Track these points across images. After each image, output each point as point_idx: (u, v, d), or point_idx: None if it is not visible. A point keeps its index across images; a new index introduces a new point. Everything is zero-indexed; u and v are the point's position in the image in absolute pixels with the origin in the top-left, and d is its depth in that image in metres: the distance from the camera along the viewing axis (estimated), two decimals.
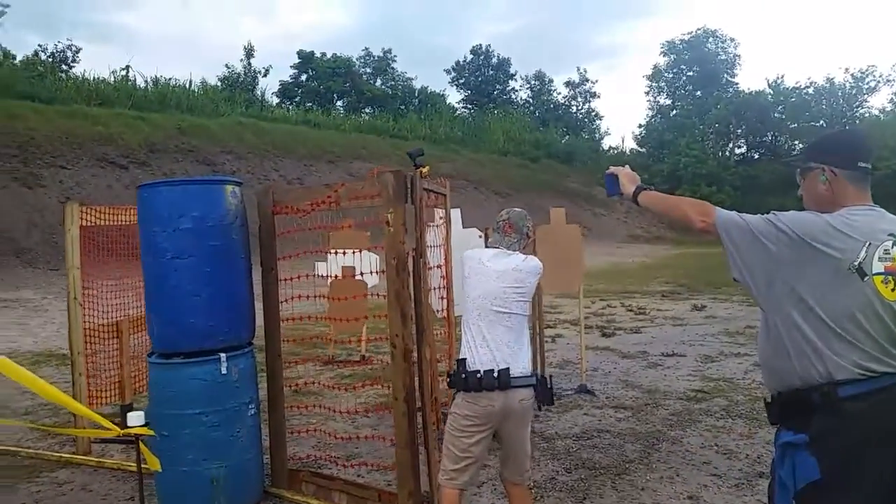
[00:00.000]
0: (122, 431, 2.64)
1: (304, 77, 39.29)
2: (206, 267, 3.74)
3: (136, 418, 2.68)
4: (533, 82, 47.92)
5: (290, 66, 39.42)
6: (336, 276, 7.87)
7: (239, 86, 33.16)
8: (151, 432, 2.72)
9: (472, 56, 45.52)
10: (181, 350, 3.77)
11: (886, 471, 1.97)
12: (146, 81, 27.30)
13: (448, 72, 45.60)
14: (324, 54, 39.62)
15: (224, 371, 3.75)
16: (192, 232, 3.72)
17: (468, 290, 3.12)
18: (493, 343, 3.02)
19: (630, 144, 47.45)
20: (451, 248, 4.54)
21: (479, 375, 2.98)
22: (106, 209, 5.09)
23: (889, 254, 2.03)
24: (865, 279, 2.00)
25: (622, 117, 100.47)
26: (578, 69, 68.44)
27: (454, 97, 45.89)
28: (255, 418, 3.99)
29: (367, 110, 38.52)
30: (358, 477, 4.29)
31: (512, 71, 46.39)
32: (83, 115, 21.52)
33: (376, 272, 6.75)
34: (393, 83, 41.49)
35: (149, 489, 4.26)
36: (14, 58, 24.69)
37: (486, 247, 3.32)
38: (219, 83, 32.72)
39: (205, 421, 3.70)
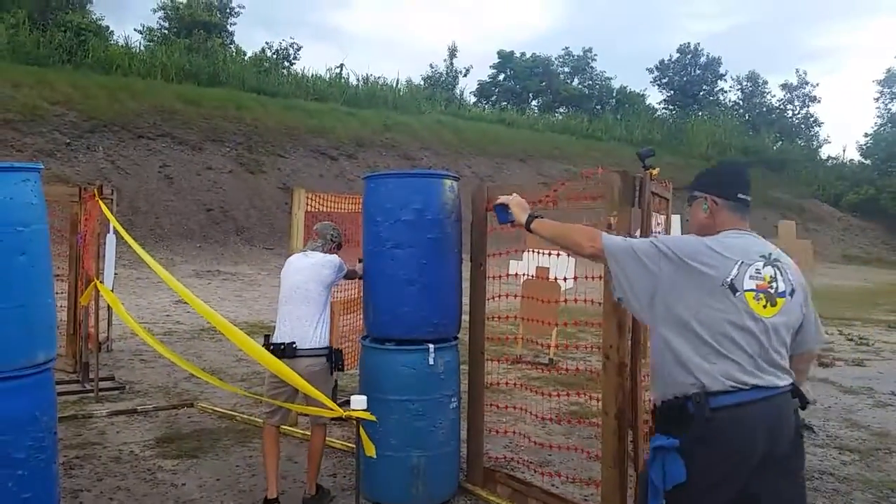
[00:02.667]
0: (345, 414, 2.70)
1: (501, 76, 39.76)
2: (422, 258, 3.79)
3: (359, 402, 2.74)
4: (744, 83, 44.74)
5: (490, 66, 40.10)
6: (530, 276, 7.79)
7: (440, 85, 34.27)
8: (373, 417, 2.76)
9: (678, 55, 43.38)
10: (393, 336, 3.85)
11: (744, 467, 2.11)
12: (358, 79, 29.12)
13: (650, 71, 43.79)
14: (523, 54, 39.84)
15: (431, 361, 3.78)
16: (412, 224, 3.79)
17: (281, 288, 4.05)
18: (292, 322, 3.87)
19: (852, 155, 42.96)
20: None
21: (275, 346, 3.81)
22: (328, 196, 5.37)
23: (760, 273, 2.19)
24: (737, 294, 2.16)
25: (845, 125, 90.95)
26: (797, 71, 62.87)
27: (655, 97, 44.18)
28: (456, 411, 3.99)
29: (561, 110, 38.16)
30: (552, 486, 4.14)
31: (721, 71, 43.63)
32: (301, 109, 23.36)
33: (571, 277, 6.61)
34: (590, 82, 40.69)
35: (350, 468, 4.43)
36: (245, 54, 27.35)
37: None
38: (422, 82, 34.05)
39: (410, 409, 3.75)
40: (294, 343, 3.80)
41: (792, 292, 2.24)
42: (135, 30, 33.28)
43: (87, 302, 6.13)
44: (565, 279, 6.41)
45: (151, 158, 18.47)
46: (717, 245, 2.22)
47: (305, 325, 3.85)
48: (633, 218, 3.25)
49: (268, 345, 3.82)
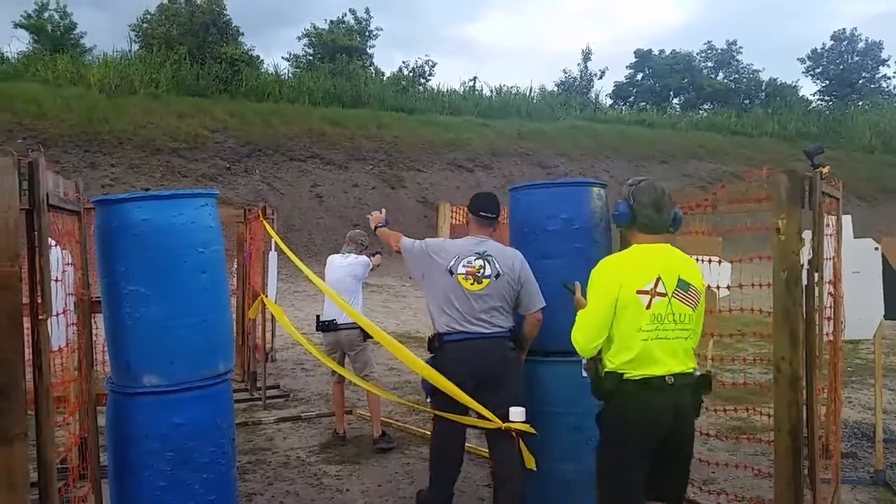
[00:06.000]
0: (504, 425, 2.71)
1: (639, 76, 38.62)
2: (572, 269, 3.72)
3: (517, 414, 2.74)
4: None
5: (626, 66, 39.09)
6: None
7: (574, 90, 33.81)
8: (532, 430, 2.76)
9: (832, 42, 40.20)
10: (545, 348, 3.81)
11: (467, 382, 3.48)
12: (491, 90, 29.30)
13: (802, 61, 40.80)
14: (662, 51, 38.50)
15: (584, 374, 3.70)
16: (559, 233, 3.75)
17: (326, 280, 5.34)
18: (335, 306, 4.86)
19: None
20: (840, 262, 3.92)
21: (324, 323, 5.35)
22: (460, 208, 5.44)
23: (471, 263, 3.61)
24: (453, 276, 3.61)
25: None
26: None
27: (808, 88, 41.09)
28: None
29: (705, 106, 36.41)
30: None
31: (883, 56, 39.87)
32: (436, 124, 23.88)
33: (726, 286, 6.26)
34: (736, 76, 38.56)
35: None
36: (383, 74, 28.35)
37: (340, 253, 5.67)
38: (555, 88, 33.74)
39: (564, 421, 3.69)
40: (335, 319, 5.28)
41: (497, 275, 3.60)
42: (282, 57, 35.32)
43: (255, 315, 6.57)
44: (719, 287, 6.10)
45: (303, 179, 19.59)
46: (450, 245, 3.80)
47: (350, 305, 5.02)
48: (804, 220, 3.04)
49: (319, 322, 5.39)
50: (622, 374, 2.60)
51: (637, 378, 2.58)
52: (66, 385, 3.56)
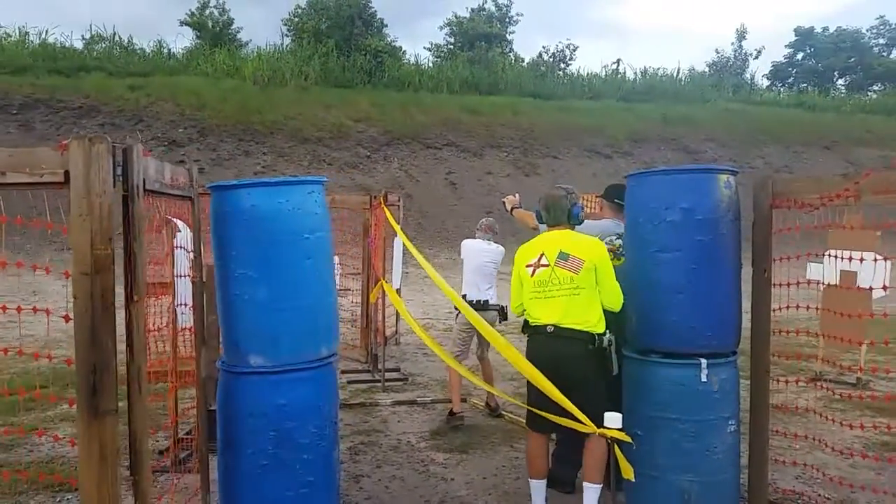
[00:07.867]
0: (598, 432, 2.54)
1: (799, 56, 35.69)
2: (691, 263, 3.45)
3: (613, 420, 2.56)
4: None
5: (785, 46, 36.22)
6: (831, 284, 6.77)
7: (727, 71, 31.80)
8: (628, 438, 2.57)
9: None
10: (657, 348, 3.56)
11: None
12: (635, 73, 28.19)
13: None
14: (825, 28, 35.30)
15: (704, 378, 3.42)
16: (679, 225, 3.46)
17: (468, 262, 5.70)
18: (480, 287, 5.57)
19: None
20: None
21: (477, 303, 5.47)
22: (591, 196, 5.25)
23: (612, 242, 4.05)
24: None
25: None
26: None
27: None
28: (735, 436, 3.56)
29: (875, 87, 33.07)
30: None
31: None
32: (575, 109, 23.29)
33: (882, 286, 5.60)
34: None
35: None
36: (522, 60, 28.03)
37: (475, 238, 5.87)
38: (706, 69, 31.92)
39: (679, 428, 3.43)
40: (488, 300, 5.59)
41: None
42: (424, 48, 35.84)
43: (375, 300, 6.69)
44: (871, 288, 5.50)
45: (438, 166, 19.82)
46: (592, 225, 4.08)
47: (489, 290, 5.63)
48: None
49: (469, 302, 5.43)
50: (528, 321, 3.65)
51: (533, 324, 3.60)
52: (192, 362, 3.78)
